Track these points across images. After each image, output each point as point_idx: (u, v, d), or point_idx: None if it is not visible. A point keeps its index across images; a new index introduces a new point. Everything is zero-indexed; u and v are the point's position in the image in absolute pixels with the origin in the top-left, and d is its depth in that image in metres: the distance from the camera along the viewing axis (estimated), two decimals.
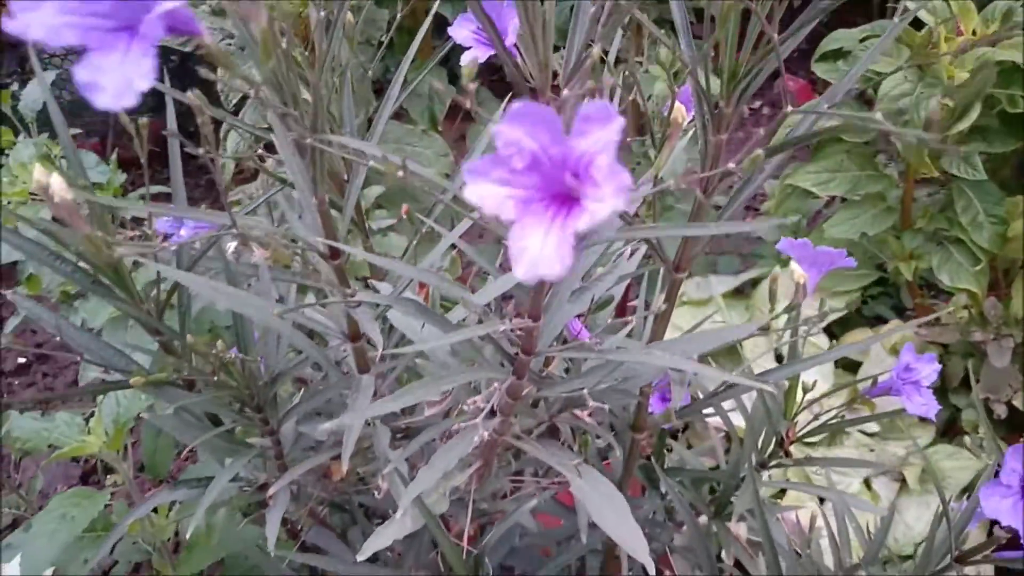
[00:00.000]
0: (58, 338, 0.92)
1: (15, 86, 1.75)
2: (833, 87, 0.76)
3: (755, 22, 0.65)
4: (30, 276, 1.57)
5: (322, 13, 0.63)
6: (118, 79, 0.34)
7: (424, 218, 0.83)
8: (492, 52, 0.85)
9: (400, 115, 1.94)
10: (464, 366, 0.82)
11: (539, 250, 0.38)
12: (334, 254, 0.75)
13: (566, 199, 0.40)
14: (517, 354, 0.76)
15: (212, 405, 0.97)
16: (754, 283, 1.99)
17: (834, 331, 1.82)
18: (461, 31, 0.92)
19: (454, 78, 1.98)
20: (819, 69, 1.59)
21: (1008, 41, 1.40)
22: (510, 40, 0.81)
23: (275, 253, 0.63)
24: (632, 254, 0.87)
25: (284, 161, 0.75)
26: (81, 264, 0.89)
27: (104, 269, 0.87)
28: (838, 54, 1.57)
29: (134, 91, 0.34)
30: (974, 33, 1.42)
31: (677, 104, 0.63)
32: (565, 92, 0.44)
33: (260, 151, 0.85)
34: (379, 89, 1.90)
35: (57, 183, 0.51)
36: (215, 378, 0.87)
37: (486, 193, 0.38)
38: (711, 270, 2.07)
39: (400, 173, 0.54)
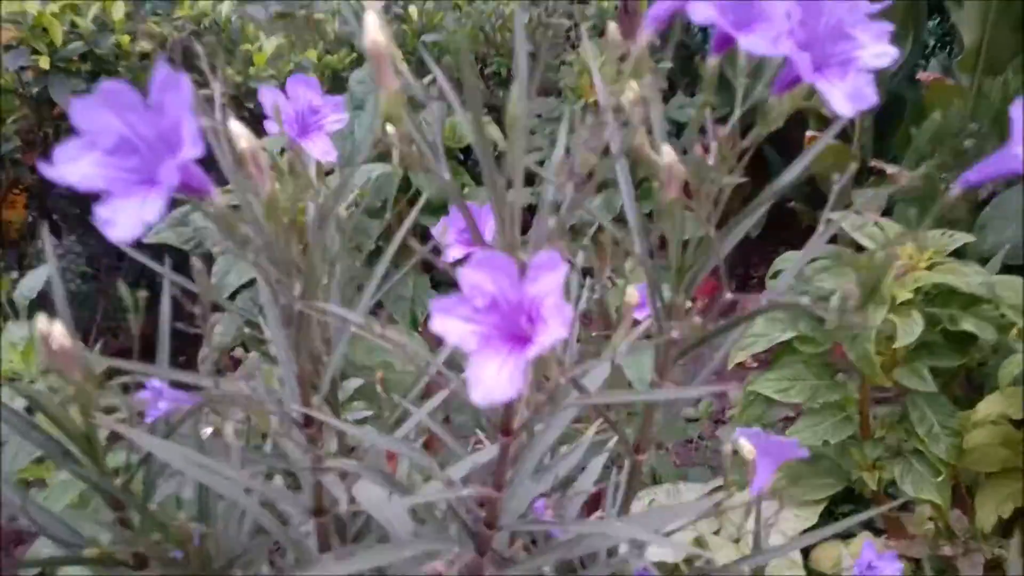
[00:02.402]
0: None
1: (15, 274, 1.83)
2: (778, 285, 0.84)
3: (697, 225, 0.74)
4: None
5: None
6: (132, 218, 0.40)
7: (399, 398, 0.87)
8: (471, 251, 0.93)
9: (380, 314, 2.02)
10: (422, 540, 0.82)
11: (494, 379, 0.42)
12: (308, 422, 0.78)
13: (521, 339, 0.45)
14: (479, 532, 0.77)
15: None
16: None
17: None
18: (443, 232, 1.01)
19: (436, 284, 2.10)
20: (772, 286, 1.71)
21: (944, 265, 1.54)
22: (488, 237, 0.90)
23: (258, 418, 0.66)
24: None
25: (271, 334, 0.81)
26: (54, 434, 0.91)
27: (77, 438, 0.89)
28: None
29: (143, 226, 0.40)
30: (910, 257, 1.55)
31: (629, 288, 0.70)
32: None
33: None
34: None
35: (58, 330, 0.56)
36: (170, 555, 0.86)
37: (451, 328, 0.43)
38: (681, 479, 2.07)
39: (380, 339, 0.59)
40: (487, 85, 3.08)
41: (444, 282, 2.13)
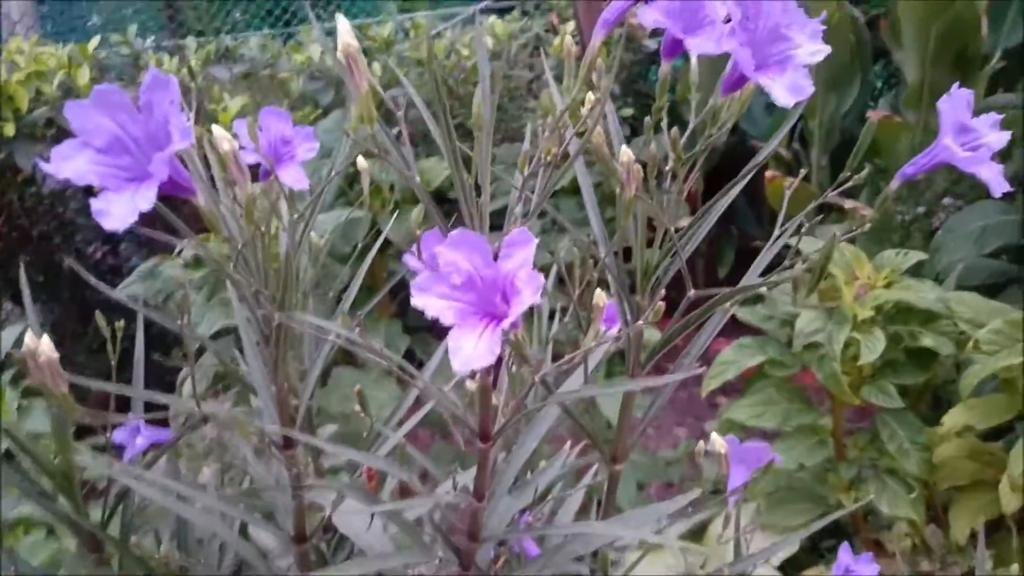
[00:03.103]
0: None
1: None
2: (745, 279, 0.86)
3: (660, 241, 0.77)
4: None
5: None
6: (124, 208, 0.42)
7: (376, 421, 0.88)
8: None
9: (355, 363, 2.02)
10: (402, 552, 0.82)
11: (472, 349, 0.44)
12: (287, 444, 0.79)
13: (496, 316, 0.47)
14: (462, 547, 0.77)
15: None
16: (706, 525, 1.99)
17: (787, 570, 1.80)
18: (413, 261, 1.04)
19: (408, 329, 2.11)
20: (740, 313, 1.75)
21: (900, 283, 1.60)
22: None
23: (239, 428, 0.67)
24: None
25: (247, 359, 0.82)
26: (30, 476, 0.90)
27: (55, 475, 0.88)
28: (757, 299, 1.75)
29: (135, 215, 0.42)
30: (868, 278, 1.61)
31: (598, 291, 0.72)
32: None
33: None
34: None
35: (45, 345, 0.57)
36: None
37: (430, 303, 0.45)
38: None
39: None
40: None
41: (417, 327, 2.14)
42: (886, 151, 3.05)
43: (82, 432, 1.80)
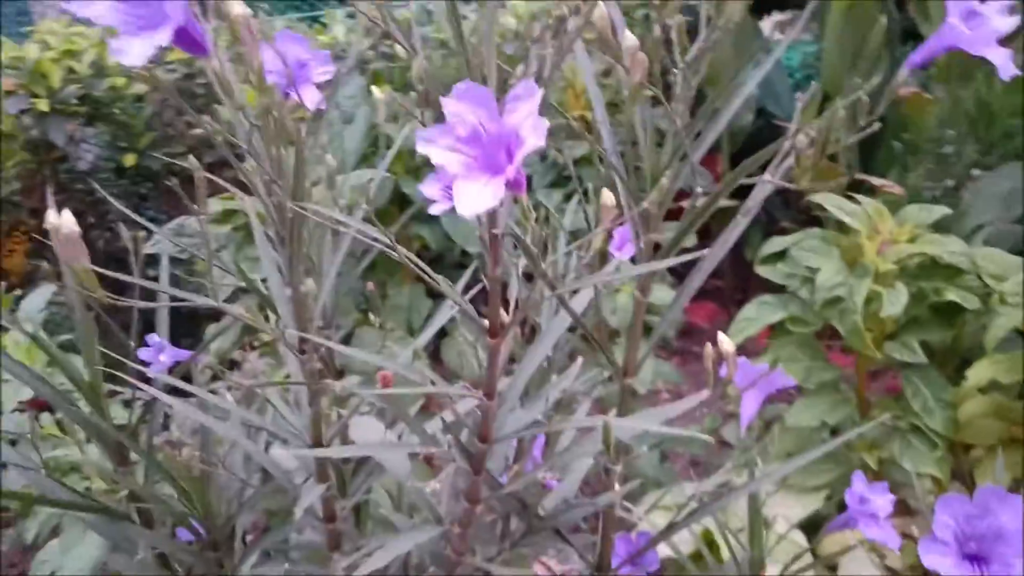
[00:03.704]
0: None
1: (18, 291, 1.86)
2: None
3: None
4: None
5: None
6: (140, 47, 0.44)
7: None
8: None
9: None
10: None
11: (477, 195, 0.46)
12: (304, 349, 0.80)
13: (502, 172, 0.48)
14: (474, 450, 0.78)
15: (168, 545, 0.95)
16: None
17: (808, 530, 1.79)
18: (430, 188, 1.05)
19: (431, 294, 2.13)
20: (762, 271, 1.75)
21: (923, 237, 1.58)
22: None
23: (257, 324, 0.69)
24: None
25: (262, 264, 0.83)
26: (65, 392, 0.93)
27: (82, 386, 0.91)
28: (778, 256, 1.74)
29: (152, 51, 0.44)
30: (891, 233, 1.59)
31: (604, 191, 0.73)
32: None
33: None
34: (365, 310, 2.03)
35: (67, 219, 0.59)
36: (177, 497, 0.87)
37: (434, 153, 0.46)
38: None
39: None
40: None
41: (440, 293, 2.16)
42: (915, 127, 3.01)
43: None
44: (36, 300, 1.85)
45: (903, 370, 1.66)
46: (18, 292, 1.84)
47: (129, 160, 2.70)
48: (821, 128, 0.62)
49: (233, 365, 1.84)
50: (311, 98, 0.89)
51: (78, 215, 2.35)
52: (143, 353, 0.97)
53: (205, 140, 2.74)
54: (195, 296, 0.73)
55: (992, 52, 0.61)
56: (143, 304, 0.79)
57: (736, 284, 3.43)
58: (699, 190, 0.74)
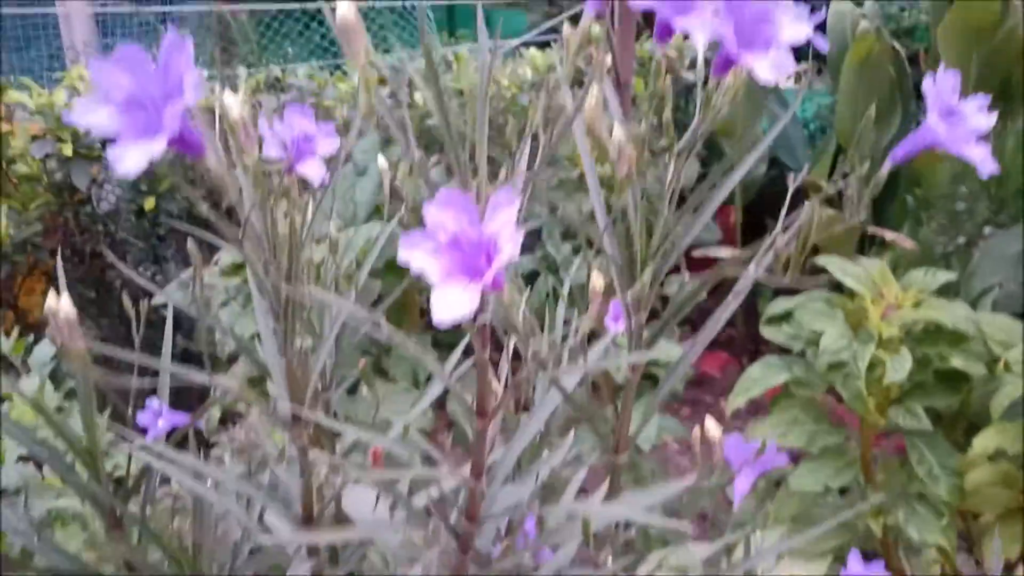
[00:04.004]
0: None
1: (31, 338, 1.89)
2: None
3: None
4: None
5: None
6: (137, 156, 0.46)
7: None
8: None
9: (385, 376, 2.06)
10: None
11: (455, 301, 0.47)
12: (297, 421, 0.81)
13: (480, 276, 0.50)
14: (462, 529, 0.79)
15: None
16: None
17: None
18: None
19: (436, 344, 2.14)
20: (767, 332, 1.75)
21: (928, 302, 1.58)
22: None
23: (246, 398, 0.70)
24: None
25: (260, 331, 0.85)
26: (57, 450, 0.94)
27: (78, 449, 0.92)
28: (783, 317, 1.74)
29: (146, 162, 0.45)
30: (896, 297, 1.59)
31: (594, 273, 0.74)
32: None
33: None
34: (364, 351, 2.05)
35: (65, 303, 0.61)
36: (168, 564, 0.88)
37: (416, 258, 0.48)
38: None
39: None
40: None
41: (445, 343, 2.17)
42: (928, 182, 3.02)
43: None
44: (48, 347, 1.88)
45: (908, 435, 1.64)
46: (31, 338, 1.87)
47: (149, 204, 2.75)
48: (802, 224, 0.63)
49: (235, 418, 1.86)
50: (316, 173, 0.92)
51: (96, 256, 2.40)
52: (141, 417, 0.99)
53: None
54: (189, 370, 0.74)
55: (971, 150, 0.62)
56: (140, 382, 0.80)
57: (748, 333, 3.42)
58: (685, 279, 0.75)
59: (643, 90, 3.65)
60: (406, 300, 2.22)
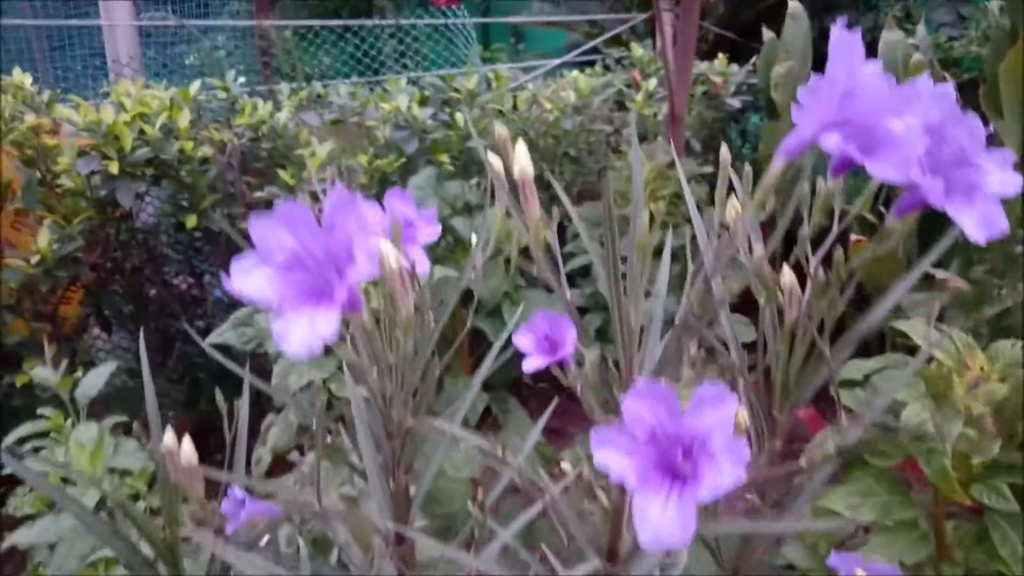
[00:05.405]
0: None
1: (79, 373, 1.85)
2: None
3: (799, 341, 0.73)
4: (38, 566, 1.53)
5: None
6: (304, 333, 0.40)
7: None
8: (550, 361, 0.93)
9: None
10: None
11: (659, 518, 0.41)
12: (399, 540, 0.76)
13: (676, 475, 0.44)
14: None
15: None
16: None
17: None
18: (523, 339, 1.01)
19: (487, 386, 2.09)
20: (843, 396, 1.68)
21: (1016, 376, 1.50)
22: (568, 350, 0.89)
23: (358, 532, 0.65)
24: None
25: (358, 439, 0.80)
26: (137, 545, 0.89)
27: (160, 547, 0.88)
28: (854, 383, 1.67)
29: (318, 340, 0.40)
30: (982, 369, 1.52)
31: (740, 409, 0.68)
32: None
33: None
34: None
35: (187, 448, 0.56)
36: None
37: (611, 460, 0.42)
38: None
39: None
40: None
41: (496, 384, 2.12)
42: None
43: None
44: (95, 379, 1.84)
45: (989, 513, 1.57)
46: (79, 374, 1.83)
47: (191, 221, 2.71)
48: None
49: (289, 466, 1.81)
50: (420, 263, 0.86)
51: (136, 270, 2.35)
52: (224, 505, 0.94)
53: (266, 201, 2.75)
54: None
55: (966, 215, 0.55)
56: (227, 477, 0.76)
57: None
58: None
59: (690, 115, 3.55)
60: (454, 334, 2.17)
